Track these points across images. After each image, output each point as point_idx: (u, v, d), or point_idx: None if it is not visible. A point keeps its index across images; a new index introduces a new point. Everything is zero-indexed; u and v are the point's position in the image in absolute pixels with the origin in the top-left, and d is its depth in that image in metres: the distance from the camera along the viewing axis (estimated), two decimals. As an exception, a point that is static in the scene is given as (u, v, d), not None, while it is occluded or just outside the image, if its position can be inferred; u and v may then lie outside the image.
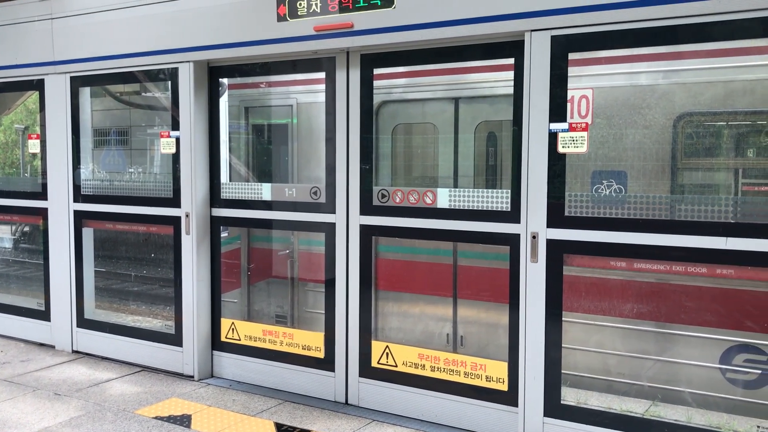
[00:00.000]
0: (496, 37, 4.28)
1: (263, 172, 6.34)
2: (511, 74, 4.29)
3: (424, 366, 4.75)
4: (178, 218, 5.64)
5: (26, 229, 7.78)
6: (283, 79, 6.04)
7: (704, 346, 4.24)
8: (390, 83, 5.38)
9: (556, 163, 4.07)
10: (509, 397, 4.41)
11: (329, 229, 5.06)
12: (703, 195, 3.94)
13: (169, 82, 5.64)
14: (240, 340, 5.58)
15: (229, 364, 5.64)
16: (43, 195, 6.56)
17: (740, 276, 3.83)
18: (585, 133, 4.00)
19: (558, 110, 4.04)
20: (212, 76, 5.58)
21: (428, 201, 4.67)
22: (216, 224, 5.66)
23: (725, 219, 3.69)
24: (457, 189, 4.63)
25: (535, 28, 4.06)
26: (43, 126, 6.51)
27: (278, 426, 4.66)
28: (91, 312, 6.42)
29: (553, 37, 4.03)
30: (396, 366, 4.86)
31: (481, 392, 4.53)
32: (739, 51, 3.91)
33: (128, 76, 5.93)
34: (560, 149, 4.05)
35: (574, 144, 4.02)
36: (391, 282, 5.10)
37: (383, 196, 4.83)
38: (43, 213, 6.58)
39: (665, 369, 4.36)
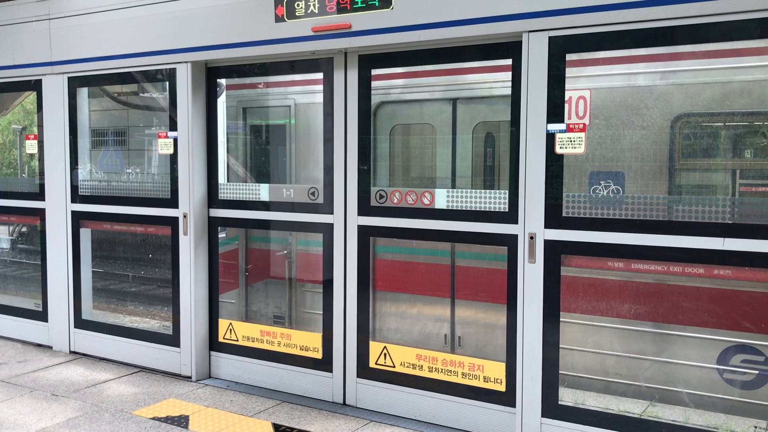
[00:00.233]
0: (493, 38, 4.28)
1: (261, 173, 6.34)
2: (508, 75, 4.30)
3: (421, 366, 4.76)
4: (176, 219, 5.64)
5: (24, 229, 7.77)
6: (281, 80, 6.04)
7: (702, 347, 4.25)
8: (388, 84, 5.38)
9: (554, 163, 4.07)
10: (507, 398, 4.41)
11: (327, 229, 5.06)
12: (701, 196, 3.95)
13: (167, 83, 5.64)
14: (238, 340, 5.58)
15: (226, 364, 5.64)
16: (40, 195, 6.55)
17: (737, 277, 3.84)
18: (582, 134, 4.00)
19: (556, 111, 4.05)
20: (210, 76, 5.58)
21: (426, 202, 4.67)
22: (214, 225, 5.66)
23: (722, 220, 3.70)
24: (454, 190, 4.63)
25: (533, 29, 4.07)
26: (40, 126, 6.50)
27: (276, 427, 4.66)
28: (89, 313, 6.41)
29: (550, 38, 4.03)
30: (394, 366, 4.86)
31: (478, 393, 4.53)
32: (736, 52, 3.91)
33: (126, 77, 5.92)
34: (558, 150, 4.06)
35: (571, 145, 4.02)
36: (388, 282, 5.11)
37: (381, 196, 4.83)
38: (40, 213, 6.57)
39: (663, 369, 4.37)
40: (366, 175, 4.87)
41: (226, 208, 5.57)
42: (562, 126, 4.04)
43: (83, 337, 6.33)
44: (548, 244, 4.14)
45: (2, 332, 6.95)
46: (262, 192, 5.41)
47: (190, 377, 5.65)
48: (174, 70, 5.54)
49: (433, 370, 4.71)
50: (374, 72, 4.83)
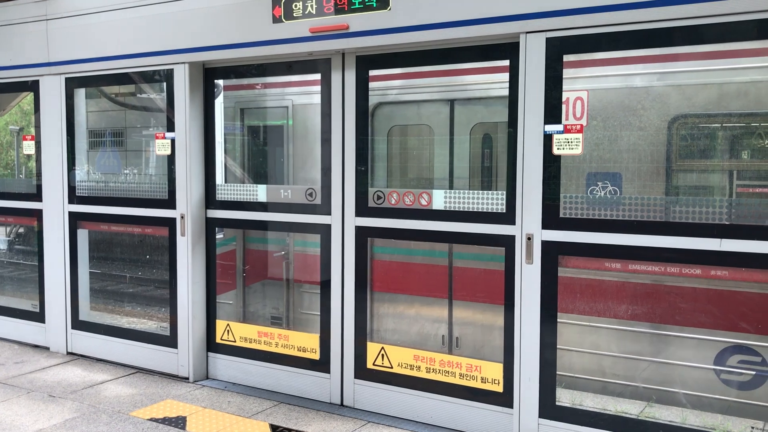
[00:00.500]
0: (491, 39, 4.28)
1: (259, 174, 6.34)
2: (506, 76, 4.30)
3: (419, 367, 4.76)
4: (174, 220, 5.64)
5: (21, 230, 7.76)
6: (279, 81, 6.04)
7: (699, 348, 4.26)
8: (385, 85, 5.38)
9: (551, 164, 4.07)
10: (504, 399, 4.41)
11: (325, 230, 5.06)
12: (698, 197, 3.95)
13: (165, 84, 5.63)
14: (235, 341, 5.57)
15: (224, 365, 5.63)
16: (37, 196, 6.54)
17: (734, 277, 3.85)
18: (580, 135, 4.01)
19: (553, 112, 4.05)
20: (207, 77, 5.58)
21: (424, 202, 4.67)
22: (211, 226, 5.65)
23: (720, 221, 3.71)
24: (452, 190, 4.64)
25: (530, 30, 4.07)
26: (38, 127, 6.50)
27: (273, 428, 4.66)
28: (86, 314, 6.40)
29: (548, 39, 4.04)
30: (391, 367, 4.86)
31: (476, 393, 4.53)
32: (732, 53, 3.92)
33: (123, 78, 5.92)
34: (555, 151, 4.06)
35: (569, 146, 4.03)
36: (386, 283, 5.11)
37: (379, 197, 4.84)
38: (37, 214, 6.56)
39: (660, 370, 4.37)
40: (363, 175, 4.87)
41: (224, 209, 5.57)
42: (560, 127, 4.04)
43: (80, 338, 6.32)
44: (545, 244, 4.14)
45: (-1, 333, 6.95)
46: (260, 193, 5.41)
47: (188, 378, 5.65)
48: (171, 70, 5.54)
49: (431, 370, 4.71)
50: (372, 73, 4.83)
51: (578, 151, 4.02)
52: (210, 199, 5.63)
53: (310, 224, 5.15)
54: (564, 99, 4.04)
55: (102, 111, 6.72)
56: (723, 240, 3.67)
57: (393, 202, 4.79)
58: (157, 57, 5.58)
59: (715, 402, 4.13)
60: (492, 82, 4.96)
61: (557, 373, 4.18)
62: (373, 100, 5.01)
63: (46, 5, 6.17)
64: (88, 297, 6.44)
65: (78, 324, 6.34)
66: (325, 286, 5.09)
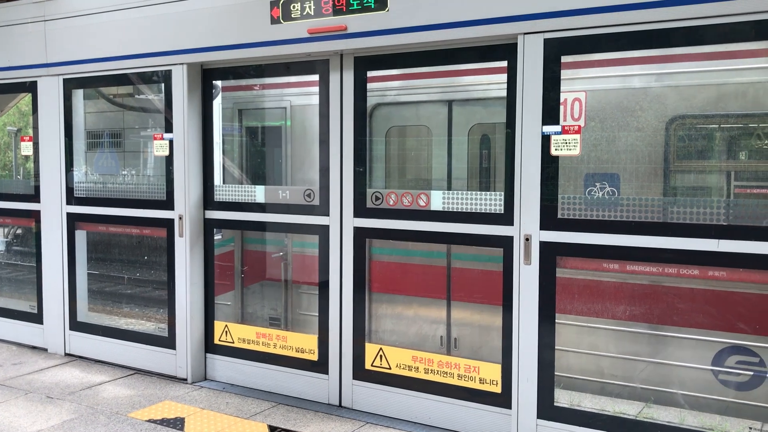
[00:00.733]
0: (489, 40, 4.29)
1: (257, 175, 6.34)
2: (504, 77, 4.30)
3: (417, 368, 4.76)
4: (172, 221, 5.63)
5: (19, 231, 7.76)
6: (277, 82, 6.04)
7: (697, 348, 4.26)
8: (384, 86, 5.39)
9: (549, 165, 4.08)
10: (502, 399, 4.41)
11: (323, 231, 5.06)
12: (696, 197, 3.96)
13: (163, 85, 5.63)
14: (233, 342, 5.57)
15: (222, 366, 5.63)
16: (35, 197, 6.54)
17: (732, 278, 3.85)
18: (578, 136, 4.01)
19: (551, 113, 4.06)
20: (206, 78, 5.58)
21: (422, 203, 4.68)
22: (209, 227, 5.65)
23: (717, 221, 3.71)
24: (450, 191, 4.64)
25: (528, 31, 4.08)
26: (35, 128, 6.49)
27: (272, 429, 4.66)
28: (84, 315, 6.40)
29: (546, 40, 4.04)
30: (390, 368, 4.86)
31: (474, 394, 4.53)
32: (730, 54, 3.93)
33: (121, 79, 5.92)
34: (553, 152, 4.07)
35: (567, 146, 4.03)
36: (384, 284, 5.11)
37: (377, 198, 4.84)
38: (35, 215, 6.56)
39: (658, 371, 4.38)
40: (362, 176, 4.87)
41: (222, 210, 5.57)
42: (558, 128, 4.05)
43: (78, 339, 6.31)
44: (544, 245, 4.14)
45: (-3, 334, 6.94)
46: (258, 194, 5.41)
47: (186, 379, 5.64)
48: (170, 71, 5.54)
49: (429, 371, 4.71)
50: (370, 74, 4.83)
51: (576, 152, 4.03)
52: (208, 200, 5.63)
53: (308, 225, 5.15)
54: (562, 100, 4.04)
55: (100, 112, 6.72)
56: (720, 240, 3.67)
57: (391, 202, 4.79)
58: (155, 58, 5.58)
59: (713, 402, 4.14)
60: (490, 83, 4.97)
61: (555, 373, 4.18)
62: (371, 100, 5.01)
63: (44, 6, 6.17)
64: (86, 298, 6.44)
65: (76, 325, 6.33)
66: (324, 287, 5.09)
